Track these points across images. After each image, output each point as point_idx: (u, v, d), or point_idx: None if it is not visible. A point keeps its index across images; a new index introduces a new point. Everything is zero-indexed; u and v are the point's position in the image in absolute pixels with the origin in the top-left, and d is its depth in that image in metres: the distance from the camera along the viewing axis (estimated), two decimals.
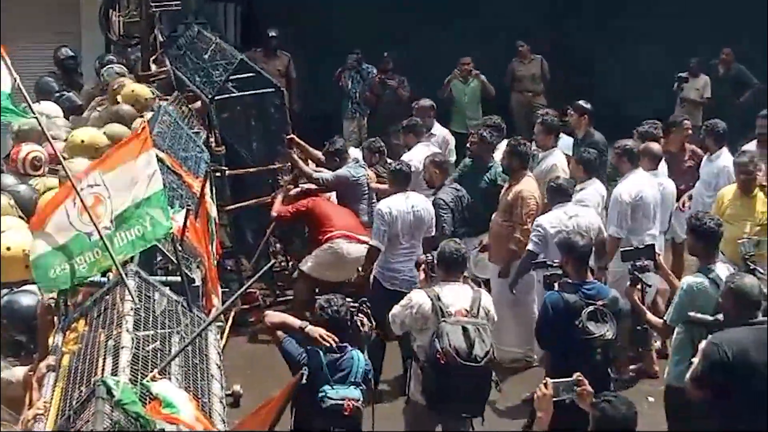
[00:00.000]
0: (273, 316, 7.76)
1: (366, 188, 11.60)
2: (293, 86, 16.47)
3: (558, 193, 10.12)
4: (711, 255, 8.14)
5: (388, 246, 10.07)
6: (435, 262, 8.34)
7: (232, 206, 11.71)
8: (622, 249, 9.33)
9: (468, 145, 12.00)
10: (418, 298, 8.06)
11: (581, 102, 12.59)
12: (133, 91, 11.97)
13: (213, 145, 11.58)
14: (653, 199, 10.61)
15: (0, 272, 7.46)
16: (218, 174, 11.47)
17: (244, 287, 6.42)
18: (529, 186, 10.61)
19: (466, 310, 7.90)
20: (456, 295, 8.00)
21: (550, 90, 16.82)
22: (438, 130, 13.44)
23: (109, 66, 13.07)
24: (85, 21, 16.60)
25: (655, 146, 11.30)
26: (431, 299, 7.94)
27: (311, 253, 11.09)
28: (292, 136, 12.08)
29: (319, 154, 12.13)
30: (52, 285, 6.09)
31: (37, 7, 16.87)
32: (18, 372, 6.36)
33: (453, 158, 13.60)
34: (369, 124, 16.62)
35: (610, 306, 8.13)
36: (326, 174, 11.61)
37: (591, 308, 8.05)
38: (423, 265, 8.48)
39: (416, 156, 12.03)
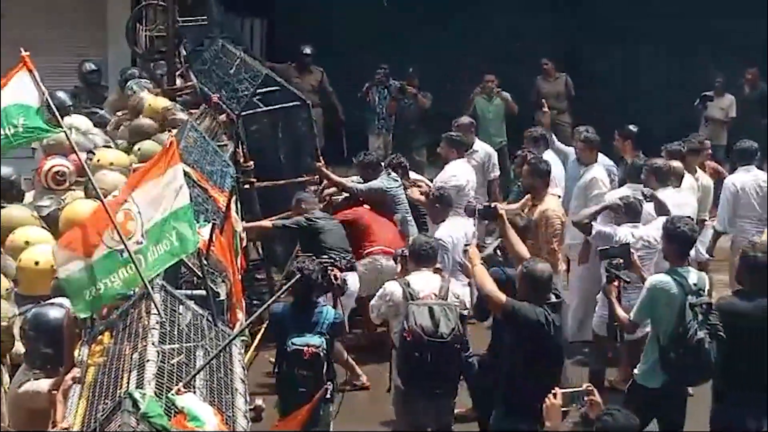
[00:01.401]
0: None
1: (401, 199, 11.63)
2: (332, 99, 16.59)
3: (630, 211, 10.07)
4: (682, 258, 8.48)
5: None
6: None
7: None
8: (600, 248, 9.53)
9: (515, 167, 11.96)
10: (392, 287, 8.77)
11: (630, 126, 12.56)
12: (150, 105, 12.07)
13: (241, 159, 11.64)
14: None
15: (28, 285, 7.57)
16: (247, 187, 11.53)
17: (271, 300, 6.45)
18: (552, 205, 10.60)
19: (435, 294, 8.45)
20: (426, 282, 8.57)
21: (575, 107, 16.83)
22: (479, 146, 13.49)
23: (136, 80, 13.13)
24: (111, 34, 16.69)
25: (678, 164, 11.35)
26: (402, 286, 8.56)
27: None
28: (320, 166, 12.12)
29: (342, 180, 12.16)
30: (87, 308, 6.12)
31: (63, 20, 17.00)
32: (44, 384, 6.40)
33: (497, 173, 13.66)
34: (394, 140, 16.65)
35: None
36: (360, 185, 11.66)
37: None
38: (399, 258, 9.21)
39: (459, 173, 12.07)
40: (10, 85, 6.56)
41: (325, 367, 8.25)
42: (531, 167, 10.80)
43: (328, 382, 8.27)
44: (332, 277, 9.02)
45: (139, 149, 10.75)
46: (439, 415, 8.62)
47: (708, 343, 8.09)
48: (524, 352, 7.87)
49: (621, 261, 8.93)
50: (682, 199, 11.00)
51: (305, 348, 8.18)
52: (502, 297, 7.90)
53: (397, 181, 11.71)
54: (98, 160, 10.27)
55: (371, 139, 16.85)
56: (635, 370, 8.61)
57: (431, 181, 12.53)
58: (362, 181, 11.76)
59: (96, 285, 6.06)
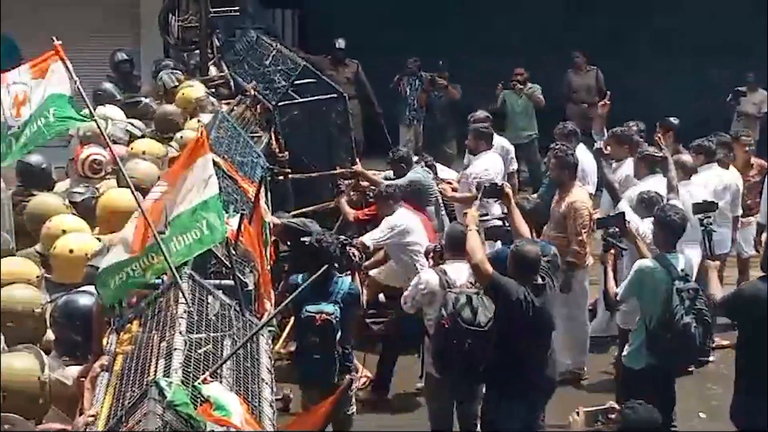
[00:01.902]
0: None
1: (433, 191, 11.64)
2: (368, 91, 16.61)
3: (651, 206, 10.01)
4: (670, 245, 8.70)
5: None
6: (442, 247, 9.10)
7: (295, 211, 11.75)
8: (597, 217, 10.01)
9: (546, 161, 11.94)
10: (427, 275, 8.89)
11: (670, 119, 12.57)
12: (183, 94, 12.12)
13: (276, 150, 11.68)
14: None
15: (62, 273, 7.61)
16: (281, 178, 11.58)
17: (297, 290, 6.46)
18: (580, 197, 10.58)
19: (471, 283, 8.51)
20: (461, 272, 8.66)
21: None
22: (496, 140, 13.43)
23: (170, 71, 13.18)
24: (144, 24, 16.77)
25: (688, 158, 11.44)
26: (438, 275, 8.72)
27: (385, 262, 11.18)
28: (357, 168, 12.16)
29: (378, 177, 12.18)
30: (113, 297, 6.16)
31: (97, 10, 17.07)
32: (72, 371, 6.43)
33: (515, 167, 13.64)
34: (424, 132, 16.65)
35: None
36: (399, 181, 11.60)
37: None
38: (431, 253, 9.32)
39: (491, 165, 12.08)
40: (44, 82, 6.60)
41: (337, 334, 8.47)
42: (558, 159, 10.77)
43: (343, 350, 8.51)
44: (351, 255, 9.12)
45: (181, 137, 10.79)
46: (470, 402, 8.77)
47: (694, 328, 8.39)
48: (504, 327, 8.18)
49: (617, 230, 9.15)
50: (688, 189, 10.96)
51: (317, 315, 8.42)
52: (490, 269, 8.11)
53: (429, 173, 11.72)
54: (132, 149, 10.36)
55: (402, 130, 16.87)
56: (623, 352, 8.88)
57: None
58: (394, 177, 11.74)
59: (120, 274, 6.09)
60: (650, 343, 8.52)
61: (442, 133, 16.14)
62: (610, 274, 8.97)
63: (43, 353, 6.18)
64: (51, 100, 6.61)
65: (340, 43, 16.76)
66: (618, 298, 8.87)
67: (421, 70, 16.79)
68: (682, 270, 8.55)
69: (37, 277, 7.36)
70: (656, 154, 11.09)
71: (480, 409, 8.62)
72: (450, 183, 12.20)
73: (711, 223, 9.22)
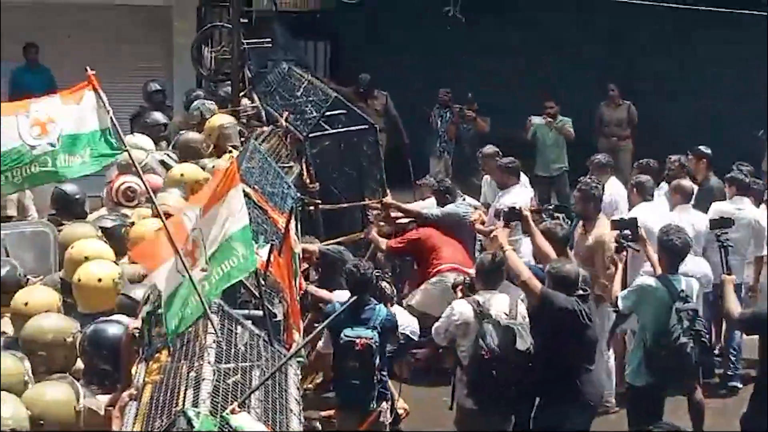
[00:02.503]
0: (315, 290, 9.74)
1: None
2: (398, 123, 16.66)
3: None
4: (673, 267, 8.94)
5: None
6: (473, 279, 9.06)
7: (326, 242, 11.78)
8: (612, 218, 10.18)
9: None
10: (460, 306, 8.77)
11: (701, 147, 12.62)
12: (209, 123, 12.23)
13: (307, 181, 11.73)
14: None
15: (90, 302, 7.61)
16: (311, 209, 11.62)
17: (327, 321, 6.48)
18: (606, 229, 10.57)
19: (505, 313, 8.53)
20: (495, 301, 8.64)
21: (638, 135, 16.74)
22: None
23: (202, 102, 13.26)
24: (177, 55, 16.88)
25: (687, 183, 11.69)
26: (472, 305, 8.62)
27: (419, 287, 11.20)
28: (387, 200, 12.21)
29: (414, 207, 12.19)
30: (175, 332, 6.18)
31: (129, 40, 17.19)
32: (101, 401, 6.45)
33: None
34: (453, 164, 16.65)
35: None
36: (435, 210, 11.71)
37: None
38: (460, 287, 9.20)
39: (520, 199, 12.06)
40: (78, 108, 6.63)
41: (376, 360, 8.50)
42: (582, 192, 10.74)
43: (381, 376, 8.55)
44: (383, 288, 9.21)
45: (213, 166, 10.85)
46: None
47: (690, 348, 8.59)
48: (554, 342, 8.32)
49: (629, 233, 9.42)
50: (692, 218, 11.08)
51: (357, 339, 8.45)
52: (539, 284, 8.34)
53: (470, 207, 11.76)
54: (171, 172, 10.48)
55: (432, 161, 16.87)
56: (626, 370, 9.20)
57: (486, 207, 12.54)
58: (429, 205, 11.85)
59: (179, 314, 6.09)
60: (648, 361, 8.76)
61: (470, 165, 16.13)
62: (620, 275, 9.25)
63: (77, 382, 6.20)
64: (86, 138, 6.64)
65: (364, 78, 16.81)
66: (620, 307, 9.11)
67: (452, 102, 16.81)
68: (682, 291, 8.75)
69: (57, 306, 7.37)
70: (647, 182, 11.37)
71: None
72: (480, 216, 12.20)
73: (727, 239, 9.31)
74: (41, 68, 16.20)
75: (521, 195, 12.30)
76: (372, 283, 8.85)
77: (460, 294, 9.13)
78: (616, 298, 9.12)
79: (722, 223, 9.63)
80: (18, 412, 5.46)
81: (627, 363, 9.35)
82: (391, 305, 9.39)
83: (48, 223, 9.09)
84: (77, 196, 9.52)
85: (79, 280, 7.67)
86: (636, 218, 9.94)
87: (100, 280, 7.63)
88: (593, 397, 8.58)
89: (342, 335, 8.49)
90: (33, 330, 6.79)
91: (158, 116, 13.09)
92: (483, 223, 11.98)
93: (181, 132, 12.35)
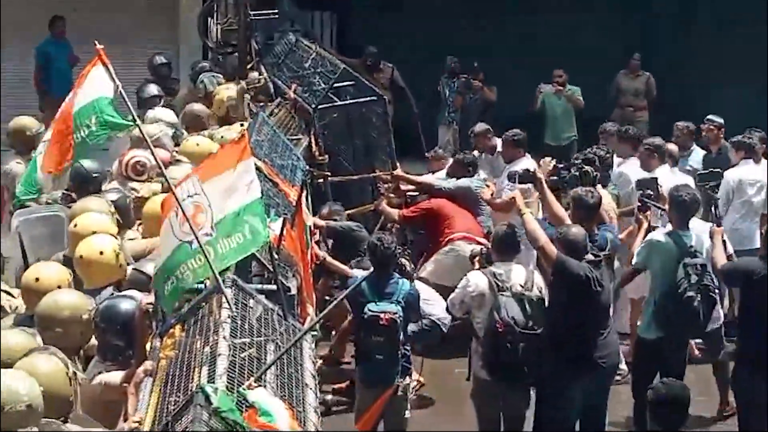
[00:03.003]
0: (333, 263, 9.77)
1: (485, 204, 11.64)
2: (406, 94, 16.56)
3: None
4: (683, 223, 9.05)
5: None
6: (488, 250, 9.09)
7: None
8: (637, 179, 10.44)
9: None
10: (476, 278, 8.76)
11: (713, 116, 12.68)
12: (217, 97, 12.17)
13: (316, 153, 11.69)
14: None
15: (93, 277, 7.58)
16: (320, 181, 11.59)
17: (342, 296, 6.45)
18: (604, 200, 10.53)
19: (521, 285, 8.50)
20: (511, 273, 8.61)
21: (656, 107, 16.63)
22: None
23: (208, 75, 13.20)
24: (183, 27, 16.81)
25: (673, 147, 11.98)
26: (488, 277, 8.59)
27: (431, 258, 11.16)
28: (398, 172, 12.17)
29: (426, 179, 12.16)
30: (169, 301, 6.17)
31: (135, 13, 17.13)
32: (116, 376, 6.43)
33: None
34: (460, 134, 16.56)
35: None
36: (448, 183, 11.67)
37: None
38: (477, 257, 9.19)
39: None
40: (85, 84, 6.61)
41: (401, 335, 8.45)
42: (575, 201, 10.54)
43: (404, 351, 8.50)
44: (402, 265, 9.16)
45: (222, 137, 10.81)
46: (518, 405, 8.74)
47: (698, 302, 8.73)
48: (568, 307, 8.38)
49: (651, 192, 9.63)
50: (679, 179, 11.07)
51: (382, 314, 8.38)
52: (554, 250, 8.35)
53: (482, 181, 11.71)
54: (185, 145, 10.48)
55: (441, 131, 16.78)
56: (638, 324, 9.45)
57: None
58: (448, 177, 11.82)
59: (171, 279, 6.09)
60: (657, 315, 8.90)
61: None
62: (641, 235, 9.30)
63: (59, 351, 6.12)
64: (92, 106, 6.61)
65: (371, 50, 16.68)
66: (633, 264, 9.28)
67: (460, 71, 16.72)
68: (691, 246, 8.90)
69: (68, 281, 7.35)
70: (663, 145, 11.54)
71: (538, 393, 8.70)
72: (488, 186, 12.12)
73: (715, 191, 9.69)
74: (65, 42, 16.10)
75: (529, 168, 12.20)
76: (395, 257, 8.81)
77: (477, 265, 9.09)
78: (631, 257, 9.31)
79: (710, 177, 10.00)
80: (33, 389, 5.42)
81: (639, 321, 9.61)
82: (411, 282, 9.26)
83: (61, 206, 9.04)
84: (95, 174, 9.45)
85: (81, 256, 7.62)
86: (656, 178, 10.15)
87: (101, 252, 7.59)
88: (606, 360, 8.57)
89: (366, 310, 8.42)
90: (49, 306, 6.77)
91: (152, 88, 13.01)
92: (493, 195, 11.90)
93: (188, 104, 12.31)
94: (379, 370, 8.43)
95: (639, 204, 9.67)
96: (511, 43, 18.01)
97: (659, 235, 9.13)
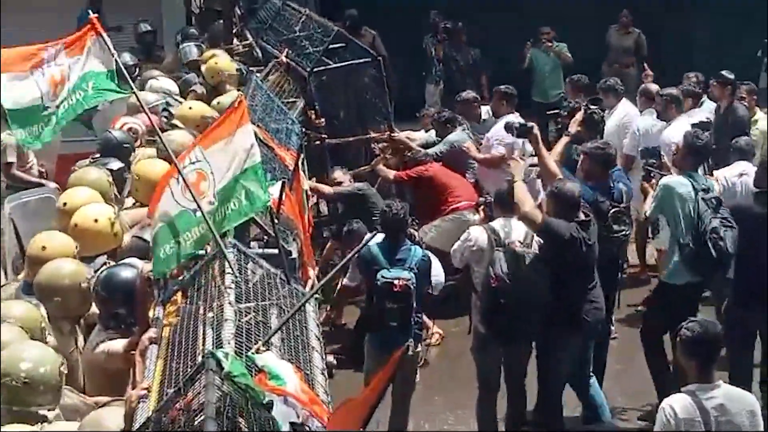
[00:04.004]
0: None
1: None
2: (386, 63, 16.44)
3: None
4: (695, 167, 9.11)
5: None
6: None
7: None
8: (641, 148, 10.57)
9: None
10: (476, 232, 8.74)
11: (724, 72, 12.53)
12: (216, 63, 12.08)
13: (312, 116, 11.65)
14: None
15: (89, 245, 7.57)
16: (317, 143, 11.58)
17: (347, 258, 6.45)
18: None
19: (520, 241, 8.49)
20: (510, 228, 8.60)
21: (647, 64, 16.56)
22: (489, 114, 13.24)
23: (193, 43, 13.14)
24: None
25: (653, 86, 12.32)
26: (487, 232, 8.59)
27: (432, 223, 11.16)
28: (395, 134, 12.18)
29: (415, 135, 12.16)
30: (164, 266, 6.17)
31: None
32: (119, 345, 6.44)
33: None
34: (445, 87, 16.48)
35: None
36: (439, 147, 11.66)
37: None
38: (482, 206, 9.38)
39: (498, 132, 11.95)
40: (82, 57, 6.59)
41: (414, 301, 8.40)
42: (584, 118, 10.65)
43: (417, 318, 8.47)
44: (410, 234, 9.03)
45: (218, 102, 10.80)
46: (518, 359, 8.76)
47: (723, 231, 8.69)
48: (556, 268, 8.37)
49: (654, 161, 9.66)
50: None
51: (396, 280, 8.32)
52: (539, 215, 8.31)
53: (465, 134, 11.70)
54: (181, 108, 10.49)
55: (429, 88, 16.68)
56: (662, 273, 9.38)
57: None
58: (437, 137, 11.83)
59: (170, 244, 6.09)
60: (685, 256, 8.84)
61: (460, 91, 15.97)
62: (649, 200, 9.23)
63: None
64: (90, 75, 6.60)
65: (351, 12, 16.49)
66: (648, 216, 9.33)
67: (441, 26, 16.63)
68: (704, 184, 8.93)
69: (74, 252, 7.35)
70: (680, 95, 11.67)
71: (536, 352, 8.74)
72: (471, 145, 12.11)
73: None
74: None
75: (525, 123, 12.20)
76: (406, 223, 8.76)
77: (482, 214, 9.16)
78: (645, 216, 9.39)
79: (701, 127, 10.11)
80: (36, 368, 5.44)
81: (661, 267, 9.60)
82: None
83: (52, 189, 9.01)
84: (126, 144, 9.42)
85: (76, 224, 7.62)
86: (659, 147, 10.19)
87: (96, 220, 7.58)
88: (590, 315, 8.57)
89: (379, 277, 8.37)
90: (49, 275, 6.77)
91: (126, 57, 12.92)
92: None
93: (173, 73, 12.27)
94: (394, 337, 8.25)
95: (644, 173, 9.67)
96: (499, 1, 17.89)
97: (673, 178, 9.07)
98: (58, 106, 6.67)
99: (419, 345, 8.74)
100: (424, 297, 8.71)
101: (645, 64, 13.71)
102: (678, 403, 6.32)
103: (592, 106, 10.40)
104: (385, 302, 8.37)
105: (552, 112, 11.82)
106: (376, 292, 8.43)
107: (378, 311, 8.46)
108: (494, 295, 8.37)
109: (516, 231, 8.57)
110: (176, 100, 11.18)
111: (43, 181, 10.31)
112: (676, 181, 8.97)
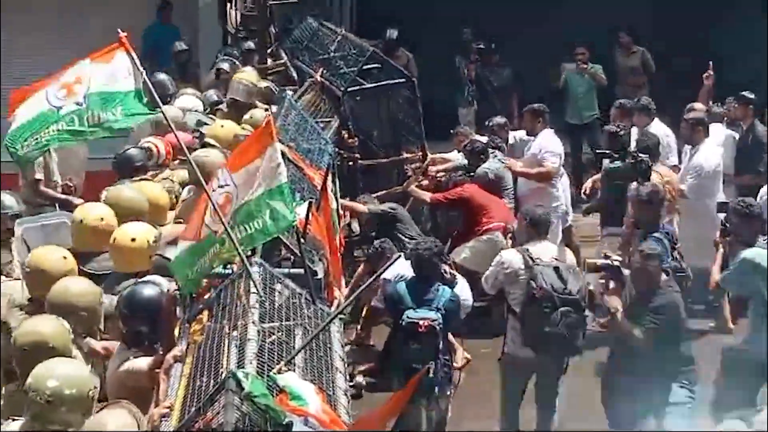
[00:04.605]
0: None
1: (507, 182, 11.77)
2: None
3: None
4: (758, 234, 8.66)
5: None
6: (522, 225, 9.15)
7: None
8: (719, 201, 10.28)
9: None
10: (508, 255, 8.89)
11: (746, 93, 12.51)
12: (242, 78, 12.12)
13: (345, 136, 11.70)
14: None
15: (125, 263, 7.60)
16: (350, 164, 11.63)
17: (373, 278, 6.44)
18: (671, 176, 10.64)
19: (556, 258, 8.70)
20: (543, 249, 8.77)
21: (656, 82, 16.48)
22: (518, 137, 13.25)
23: (221, 59, 13.19)
24: (202, 13, 16.73)
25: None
26: (521, 254, 8.70)
27: (466, 243, 11.17)
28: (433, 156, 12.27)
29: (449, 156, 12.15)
30: (191, 287, 6.19)
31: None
32: (144, 363, 6.43)
33: None
34: (479, 112, 16.46)
35: None
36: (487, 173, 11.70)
37: None
38: (510, 234, 9.43)
39: (550, 143, 12.07)
40: (108, 67, 6.60)
41: (440, 343, 8.24)
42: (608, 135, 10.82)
43: (444, 360, 8.29)
44: (443, 271, 8.86)
45: (251, 116, 10.81)
46: (553, 374, 8.79)
47: None
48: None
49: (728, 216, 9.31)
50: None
51: (421, 321, 8.18)
52: None
53: (503, 163, 11.71)
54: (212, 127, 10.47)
55: (461, 111, 16.66)
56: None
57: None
58: (469, 165, 11.84)
59: (195, 264, 6.11)
60: None
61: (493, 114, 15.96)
62: (718, 261, 9.03)
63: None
64: (118, 97, 6.62)
65: (392, 33, 16.45)
66: (720, 283, 9.01)
67: (473, 42, 16.63)
68: None
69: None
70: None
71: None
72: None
73: None
74: (171, 26, 16.04)
75: (551, 140, 12.20)
76: (437, 263, 8.59)
77: (510, 241, 9.32)
78: (716, 282, 9.07)
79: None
80: (62, 388, 5.44)
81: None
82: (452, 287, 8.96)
83: (66, 213, 9.03)
84: (139, 162, 9.51)
85: (114, 240, 7.69)
86: (727, 202, 9.80)
87: (133, 239, 7.63)
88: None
89: (405, 317, 8.24)
90: (59, 293, 6.79)
91: (161, 77, 12.97)
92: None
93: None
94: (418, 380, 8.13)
95: (721, 228, 9.29)
96: (534, 21, 17.84)
97: (752, 251, 8.53)
98: (82, 105, 6.67)
99: (448, 390, 8.54)
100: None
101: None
102: None
103: (641, 155, 10.35)
104: (408, 343, 8.23)
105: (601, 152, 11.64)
106: (400, 333, 8.32)
107: (402, 352, 8.34)
108: (538, 308, 8.34)
109: (548, 251, 8.63)
110: (211, 118, 11.20)
111: (71, 198, 10.31)
112: (757, 253, 8.48)
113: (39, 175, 10.33)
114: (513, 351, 8.63)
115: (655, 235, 9.10)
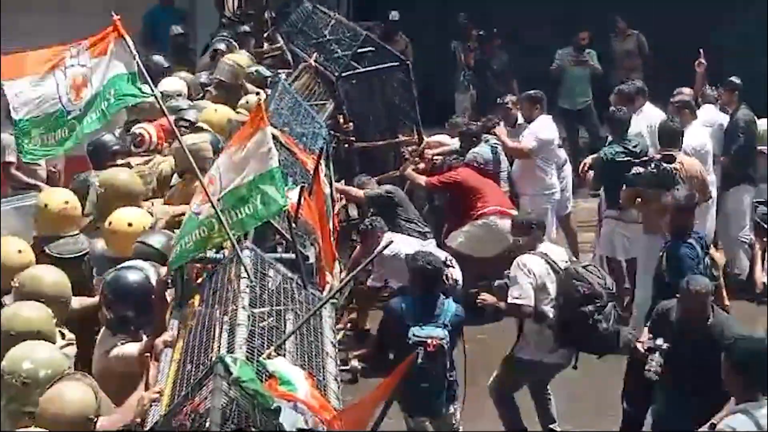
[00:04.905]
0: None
1: (501, 167, 11.77)
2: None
3: None
4: None
5: None
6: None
7: None
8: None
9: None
10: (531, 263, 8.47)
11: (732, 78, 12.51)
12: (231, 59, 12.04)
13: (340, 120, 11.67)
14: None
15: (121, 247, 7.58)
16: (346, 147, 11.61)
17: (366, 262, 6.43)
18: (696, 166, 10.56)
19: (573, 259, 8.75)
20: (553, 250, 8.73)
21: (651, 66, 16.44)
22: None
23: (217, 39, 13.15)
24: None
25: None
26: (542, 258, 8.46)
27: (461, 228, 11.15)
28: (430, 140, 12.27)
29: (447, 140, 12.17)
30: (177, 261, 6.23)
31: None
32: (133, 348, 6.41)
33: None
34: (478, 96, 16.44)
35: None
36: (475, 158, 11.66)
37: None
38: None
39: (548, 127, 12.12)
40: (105, 59, 6.59)
41: (447, 360, 7.98)
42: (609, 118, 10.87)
43: (451, 374, 8.07)
44: (445, 277, 8.57)
45: (247, 102, 10.74)
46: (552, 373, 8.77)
47: None
48: None
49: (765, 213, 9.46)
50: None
51: (429, 340, 7.83)
52: None
53: (495, 148, 11.73)
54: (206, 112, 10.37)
55: (458, 97, 16.64)
56: None
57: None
58: (461, 148, 11.85)
59: (185, 238, 6.13)
60: None
61: (493, 97, 15.89)
62: (759, 261, 9.10)
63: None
64: (112, 81, 6.60)
65: (394, 15, 16.44)
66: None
67: (471, 28, 16.58)
68: None
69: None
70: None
71: None
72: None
73: None
74: (174, 8, 16.00)
75: (544, 125, 12.20)
76: (442, 277, 8.28)
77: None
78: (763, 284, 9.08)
79: None
80: (36, 370, 5.45)
81: None
82: (452, 293, 8.64)
83: (34, 194, 8.98)
84: (115, 147, 9.42)
85: (110, 224, 7.70)
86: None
87: (130, 224, 7.62)
88: None
89: (411, 335, 7.82)
90: (30, 282, 6.75)
91: (158, 59, 12.91)
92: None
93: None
94: (425, 399, 7.86)
95: (760, 225, 9.44)
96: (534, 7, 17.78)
97: None
98: (82, 111, 6.67)
99: (452, 407, 8.22)
100: None
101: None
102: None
103: (666, 164, 10.31)
104: (416, 362, 7.68)
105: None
106: (407, 351, 7.66)
107: (407, 372, 8.03)
108: (584, 304, 8.09)
109: (560, 252, 8.72)
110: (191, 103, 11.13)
111: (39, 183, 10.27)
112: None
113: (12, 158, 10.28)
114: (539, 358, 8.44)
115: (689, 241, 8.86)
